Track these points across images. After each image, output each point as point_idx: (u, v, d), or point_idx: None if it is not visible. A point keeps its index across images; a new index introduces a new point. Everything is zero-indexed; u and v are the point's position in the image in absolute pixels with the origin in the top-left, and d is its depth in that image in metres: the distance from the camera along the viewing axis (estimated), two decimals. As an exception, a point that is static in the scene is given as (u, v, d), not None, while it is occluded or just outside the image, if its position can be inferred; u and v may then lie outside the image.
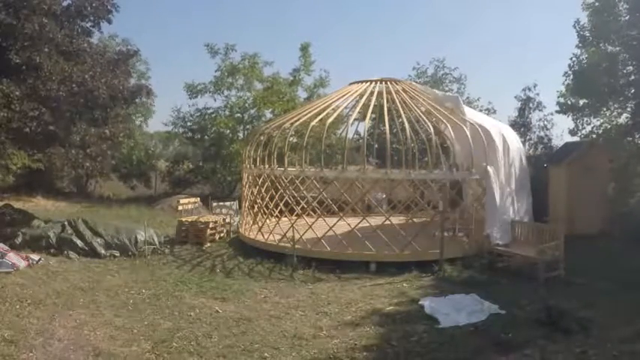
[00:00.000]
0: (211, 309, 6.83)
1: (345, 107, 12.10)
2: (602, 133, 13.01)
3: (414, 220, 11.25)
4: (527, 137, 18.37)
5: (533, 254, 8.62)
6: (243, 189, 12.28)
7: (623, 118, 13.12)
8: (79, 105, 11.79)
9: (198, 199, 14.90)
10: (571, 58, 13.03)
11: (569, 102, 13.91)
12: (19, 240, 9.78)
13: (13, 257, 8.39)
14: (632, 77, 11.93)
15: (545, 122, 18.41)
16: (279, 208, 11.51)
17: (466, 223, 11.23)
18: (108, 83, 11.97)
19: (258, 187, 11.37)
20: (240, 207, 13.08)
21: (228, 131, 20.96)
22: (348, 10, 55.08)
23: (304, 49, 21.52)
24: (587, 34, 12.53)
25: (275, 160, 11.34)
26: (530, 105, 18.56)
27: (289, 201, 11.72)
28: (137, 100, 17.66)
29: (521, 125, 18.27)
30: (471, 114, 11.42)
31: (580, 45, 12.82)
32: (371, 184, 11.46)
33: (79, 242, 9.83)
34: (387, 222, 10.06)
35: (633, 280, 7.78)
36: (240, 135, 21.18)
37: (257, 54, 21.40)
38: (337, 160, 15.99)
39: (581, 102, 13.31)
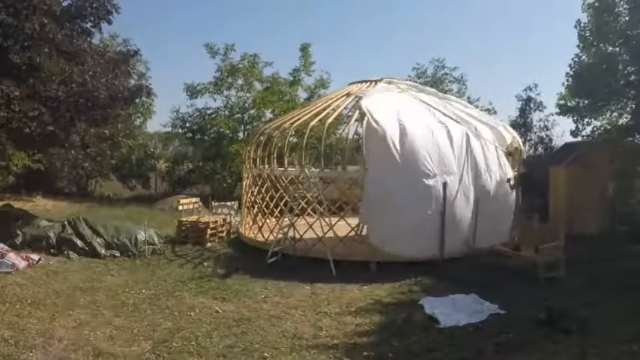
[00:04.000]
0: (211, 309, 6.84)
1: (345, 107, 12.08)
2: (602, 133, 13.00)
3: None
4: (528, 137, 18.41)
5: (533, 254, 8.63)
6: (244, 189, 12.27)
7: (623, 119, 13.11)
8: (79, 105, 11.76)
9: (199, 199, 14.90)
10: (572, 59, 13.03)
11: (569, 104, 13.90)
12: (19, 240, 9.78)
13: (13, 257, 8.40)
14: (633, 77, 11.92)
15: (546, 122, 18.48)
16: (279, 208, 11.51)
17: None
18: (108, 83, 11.94)
19: (258, 187, 11.38)
20: (240, 207, 13.08)
21: (228, 131, 20.96)
22: (348, 9, 55.05)
23: (304, 49, 21.50)
24: (588, 35, 12.52)
25: (275, 161, 11.31)
26: (531, 105, 18.61)
27: (289, 201, 11.68)
28: (137, 100, 17.66)
29: (521, 125, 18.31)
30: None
31: (580, 46, 12.81)
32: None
33: (79, 242, 9.83)
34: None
35: (633, 281, 7.78)
36: (240, 135, 21.19)
37: (257, 54, 21.46)
38: (337, 160, 16.00)
39: (582, 103, 13.31)
